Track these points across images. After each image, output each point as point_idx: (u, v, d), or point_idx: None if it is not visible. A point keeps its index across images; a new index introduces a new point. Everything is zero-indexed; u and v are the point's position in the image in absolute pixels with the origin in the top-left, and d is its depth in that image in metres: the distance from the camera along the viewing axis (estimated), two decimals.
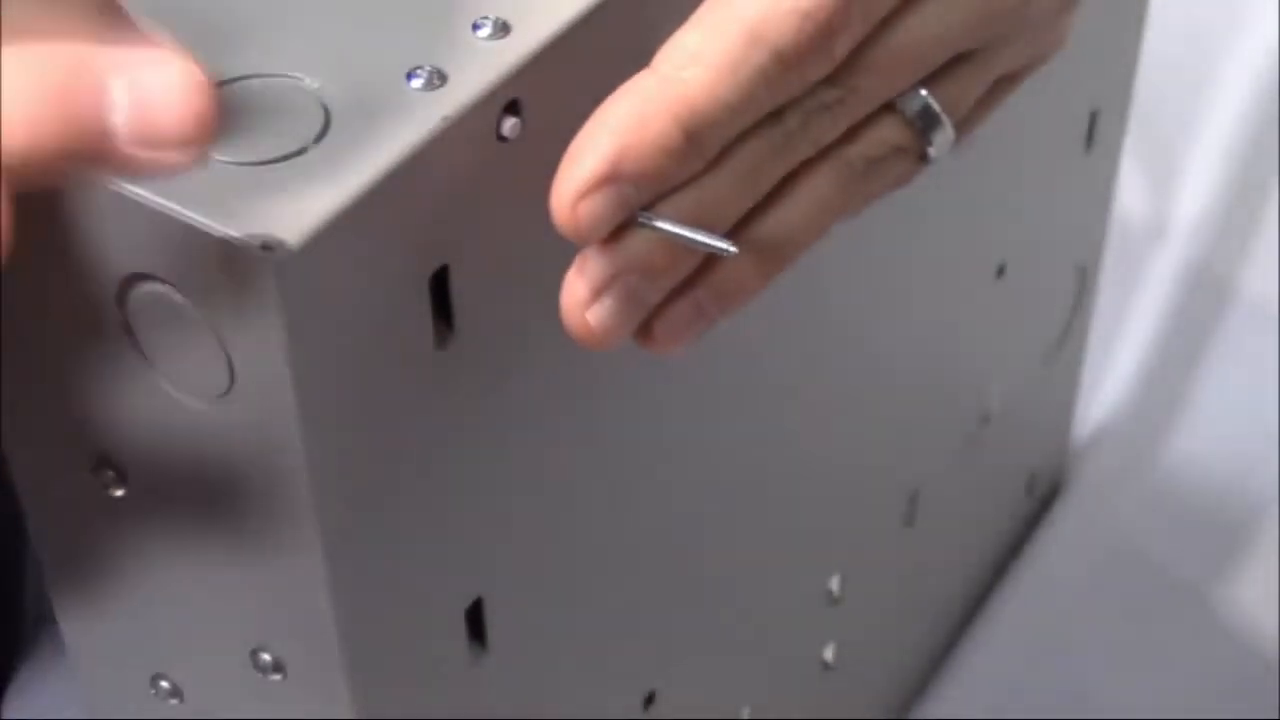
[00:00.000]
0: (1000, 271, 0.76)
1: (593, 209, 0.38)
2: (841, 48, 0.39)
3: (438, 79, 0.40)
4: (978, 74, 0.43)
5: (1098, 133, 0.80)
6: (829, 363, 0.64)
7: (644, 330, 0.41)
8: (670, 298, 0.41)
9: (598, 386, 0.50)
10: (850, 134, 0.41)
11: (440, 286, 0.42)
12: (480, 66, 0.40)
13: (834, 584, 0.74)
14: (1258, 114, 1.14)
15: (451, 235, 0.41)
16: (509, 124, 0.40)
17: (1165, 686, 0.89)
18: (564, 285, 0.40)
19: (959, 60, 0.42)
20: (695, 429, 0.57)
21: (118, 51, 0.34)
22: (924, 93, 0.42)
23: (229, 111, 0.38)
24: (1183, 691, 0.89)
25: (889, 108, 0.42)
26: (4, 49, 0.33)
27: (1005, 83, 0.45)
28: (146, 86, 0.33)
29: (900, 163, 0.43)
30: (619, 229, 0.39)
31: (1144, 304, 1.07)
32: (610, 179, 0.38)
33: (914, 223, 0.66)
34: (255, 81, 0.40)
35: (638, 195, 0.38)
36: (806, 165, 0.41)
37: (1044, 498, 0.98)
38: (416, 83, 0.40)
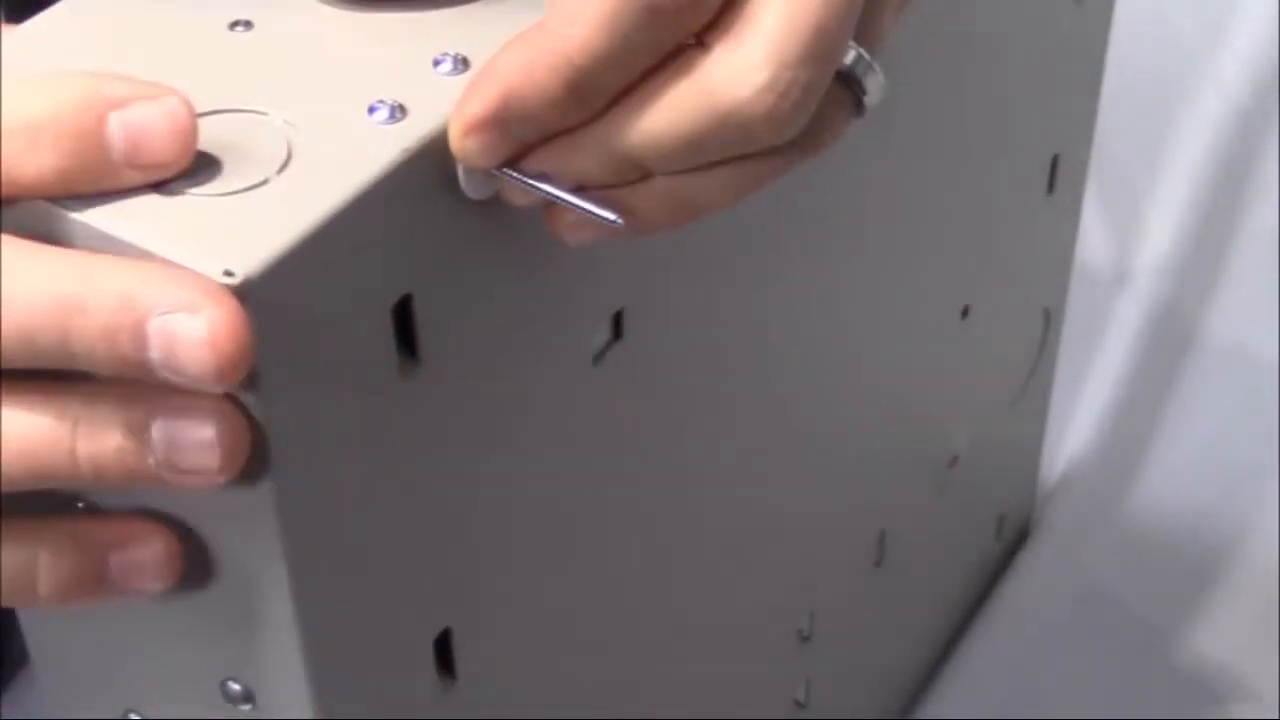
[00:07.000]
0: (965, 314, 0.77)
1: (480, 143, 0.40)
2: None
3: (399, 112, 0.41)
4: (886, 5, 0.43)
5: (1059, 177, 0.81)
6: (798, 404, 0.65)
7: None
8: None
9: (566, 419, 0.51)
10: None
11: (404, 316, 0.42)
12: (440, 100, 0.41)
13: (804, 622, 0.75)
14: (1219, 158, 1.15)
15: (413, 265, 0.42)
16: None
17: None
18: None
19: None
20: (666, 466, 0.57)
21: (117, 86, 0.39)
22: (854, 46, 0.42)
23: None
24: None
25: None
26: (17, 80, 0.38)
27: None
28: (141, 114, 0.38)
29: (838, 117, 0.43)
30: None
31: (1109, 347, 1.08)
32: (494, 120, 0.40)
33: (879, 266, 0.66)
34: (220, 116, 0.40)
35: (524, 133, 0.40)
36: None
37: (1013, 540, 0.98)
38: (378, 116, 0.40)
